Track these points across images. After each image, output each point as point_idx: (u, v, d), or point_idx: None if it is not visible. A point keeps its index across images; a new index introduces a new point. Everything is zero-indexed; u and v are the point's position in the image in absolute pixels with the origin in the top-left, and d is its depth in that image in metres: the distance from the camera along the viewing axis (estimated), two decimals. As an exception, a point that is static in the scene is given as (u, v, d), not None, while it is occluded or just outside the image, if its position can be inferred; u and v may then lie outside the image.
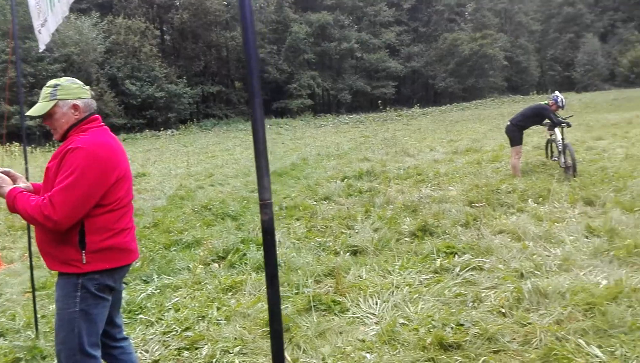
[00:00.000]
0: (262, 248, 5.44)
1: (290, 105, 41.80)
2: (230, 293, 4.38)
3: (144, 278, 4.93)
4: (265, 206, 1.67)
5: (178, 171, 12.89)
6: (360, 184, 8.97)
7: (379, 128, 24.31)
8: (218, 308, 4.06)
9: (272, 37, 43.48)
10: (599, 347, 2.99)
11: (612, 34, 60.25)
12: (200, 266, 5.09)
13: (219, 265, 5.19)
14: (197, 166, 13.91)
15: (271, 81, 42.70)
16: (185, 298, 4.37)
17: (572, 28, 59.28)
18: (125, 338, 2.78)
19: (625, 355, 2.90)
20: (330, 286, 4.29)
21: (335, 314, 3.82)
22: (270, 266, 1.69)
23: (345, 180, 9.44)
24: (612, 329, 3.15)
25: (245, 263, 5.04)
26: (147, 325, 3.89)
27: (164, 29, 43.94)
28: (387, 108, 36.87)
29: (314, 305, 3.90)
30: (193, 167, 13.57)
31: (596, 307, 3.42)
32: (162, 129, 32.22)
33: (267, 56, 41.91)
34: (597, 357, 2.90)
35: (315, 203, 7.86)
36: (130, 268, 3.15)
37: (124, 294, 4.33)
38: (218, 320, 3.85)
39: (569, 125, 8.45)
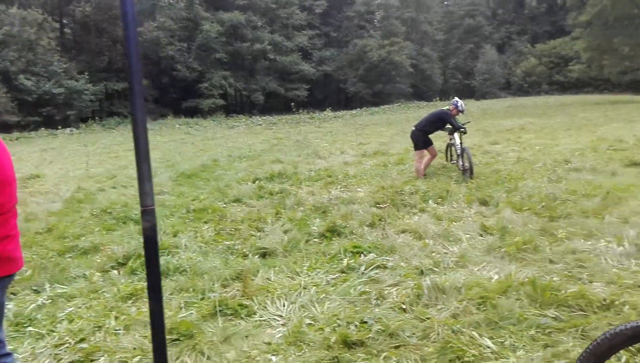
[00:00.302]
0: (166, 252, 5.27)
1: (202, 105, 40.84)
2: (130, 301, 4.16)
3: (34, 288, 4.56)
4: (146, 212, 1.59)
5: (77, 173, 12.10)
6: (272, 186, 8.94)
7: (291, 130, 24.42)
8: (116, 318, 3.85)
9: (182, 34, 42.21)
10: (491, 338, 3.19)
11: (508, 45, 65.15)
12: (97, 273, 4.81)
13: (119, 272, 4.93)
14: (98, 167, 13.15)
15: (181, 79, 41.46)
16: (80, 308, 4.09)
17: (472, 39, 63.35)
18: (8, 354, 2.56)
19: (513, 345, 3.11)
20: (238, 290, 4.23)
21: (242, 318, 3.77)
22: (153, 277, 1.61)
23: (257, 182, 9.37)
24: (502, 321, 3.37)
25: (149, 269, 4.82)
26: (37, 338, 3.60)
27: (65, 21, 41.14)
28: (300, 110, 37.16)
29: (220, 310, 3.82)
30: (93, 168, 12.80)
31: (488, 301, 3.65)
32: (60, 127, 30.07)
33: (177, 54, 40.64)
34: (489, 347, 3.09)
35: (225, 205, 7.73)
36: (17, 277, 2.91)
37: (10, 305, 4.00)
38: (116, 330, 3.65)
39: (465, 131, 8.99)
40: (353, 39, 53.27)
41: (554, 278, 4.03)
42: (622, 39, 34.04)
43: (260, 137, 21.33)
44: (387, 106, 44.18)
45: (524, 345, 3.09)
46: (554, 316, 3.39)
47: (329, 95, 56.45)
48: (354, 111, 40.44)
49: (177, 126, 30.75)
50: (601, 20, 34.70)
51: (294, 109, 36.26)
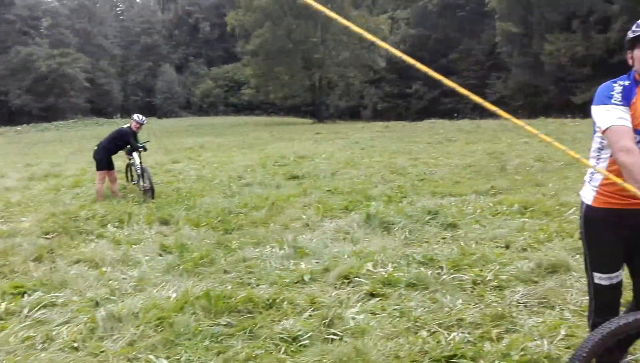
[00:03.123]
0: None
1: None
2: None
3: None
4: None
5: None
6: None
7: None
8: None
9: None
10: (167, 357, 3.21)
11: (186, 66, 67.50)
12: None
13: None
14: None
15: None
16: None
17: (151, 57, 63.39)
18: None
19: (189, 359, 3.19)
20: None
21: None
22: None
23: None
24: (178, 338, 3.43)
25: None
26: None
27: None
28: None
29: None
30: None
31: (165, 320, 3.68)
32: None
33: None
34: (163, 367, 3.12)
35: None
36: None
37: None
38: None
39: (145, 149, 8.94)
40: (14, 45, 46.71)
41: (227, 287, 4.34)
42: (282, 68, 39.50)
43: None
44: (60, 122, 40.34)
45: (198, 357, 3.22)
46: (225, 323, 3.65)
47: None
48: (19, 127, 35.55)
49: None
50: (264, 51, 39.47)
51: None
